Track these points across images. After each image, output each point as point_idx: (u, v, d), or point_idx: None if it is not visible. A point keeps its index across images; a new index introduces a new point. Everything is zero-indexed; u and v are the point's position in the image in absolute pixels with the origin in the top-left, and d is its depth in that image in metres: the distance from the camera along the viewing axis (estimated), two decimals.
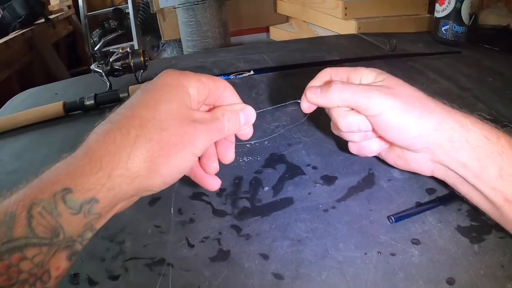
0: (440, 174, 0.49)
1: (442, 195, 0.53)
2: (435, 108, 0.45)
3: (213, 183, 0.45)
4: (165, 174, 0.36)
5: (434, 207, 0.51)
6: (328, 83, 0.49)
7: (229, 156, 0.45)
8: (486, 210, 0.45)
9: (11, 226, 0.29)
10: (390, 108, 0.45)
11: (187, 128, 0.37)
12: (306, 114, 0.52)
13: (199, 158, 0.44)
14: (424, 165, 0.49)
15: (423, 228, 0.49)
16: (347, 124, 0.49)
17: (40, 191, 0.31)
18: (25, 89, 1.15)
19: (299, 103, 0.51)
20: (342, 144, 0.56)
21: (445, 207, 0.52)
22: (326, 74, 0.52)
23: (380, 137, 0.50)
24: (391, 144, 0.51)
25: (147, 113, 0.36)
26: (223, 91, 0.43)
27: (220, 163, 0.45)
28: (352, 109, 0.48)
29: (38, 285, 0.30)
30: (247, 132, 0.46)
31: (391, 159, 0.54)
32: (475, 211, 0.50)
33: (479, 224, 0.49)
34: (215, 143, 0.45)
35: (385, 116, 0.45)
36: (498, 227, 0.47)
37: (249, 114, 0.44)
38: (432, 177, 0.52)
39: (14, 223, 0.29)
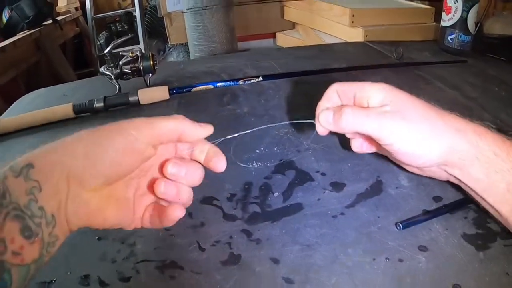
0: (455, 181, 0.50)
1: (449, 203, 0.54)
2: (446, 131, 0.46)
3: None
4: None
5: (440, 214, 0.52)
6: (339, 107, 0.49)
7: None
8: (496, 218, 0.47)
9: None
10: (401, 139, 0.46)
11: None
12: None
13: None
14: (438, 174, 0.50)
15: (430, 235, 0.50)
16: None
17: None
18: (31, 90, 1.17)
19: (313, 123, 0.52)
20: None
21: (451, 215, 0.53)
22: (333, 92, 0.52)
23: None
24: None
25: None
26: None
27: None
28: None
29: None
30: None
31: (405, 166, 0.55)
32: (480, 219, 0.51)
33: (484, 232, 0.50)
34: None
35: (396, 146, 0.46)
36: (503, 235, 0.48)
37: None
38: (439, 185, 0.53)
39: None
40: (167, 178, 0.44)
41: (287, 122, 0.55)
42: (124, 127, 0.41)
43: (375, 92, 0.48)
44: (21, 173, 0.35)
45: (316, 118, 0.52)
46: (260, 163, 0.65)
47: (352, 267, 0.46)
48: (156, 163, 0.46)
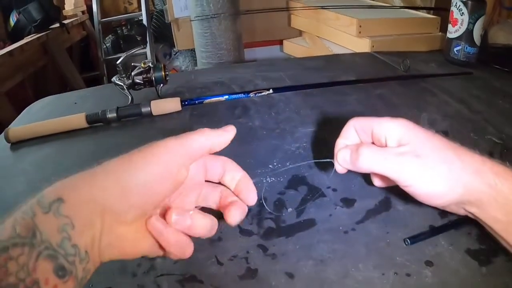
0: (473, 217, 0.49)
1: (454, 220, 0.56)
2: (464, 173, 0.45)
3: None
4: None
5: (446, 230, 0.55)
6: (356, 146, 0.49)
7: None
8: None
9: (1, 230, 0.32)
10: (418, 181, 0.45)
11: None
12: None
13: None
14: (456, 211, 0.50)
15: (436, 251, 0.52)
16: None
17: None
18: (39, 93, 1.18)
19: (332, 162, 0.52)
20: None
21: (456, 230, 0.55)
22: (350, 128, 0.52)
23: None
24: None
25: None
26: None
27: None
28: None
29: None
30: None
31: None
32: (483, 236, 0.53)
33: (487, 247, 0.52)
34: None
35: (413, 188, 0.46)
36: (505, 251, 0.50)
37: None
38: None
39: (4, 228, 0.32)
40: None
41: (305, 162, 0.58)
42: (155, 152, 0.40)
43: (393, 130, 0.48)
44: (51, 209, 0.34)
45: (334, 157, 0.52)
46: (273, 178, 0.68)
47: (363, 282, 0.49)
48: (187, 187, 0.45)
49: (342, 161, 0.50)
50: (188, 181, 0.44)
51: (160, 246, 0.42)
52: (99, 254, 0.38)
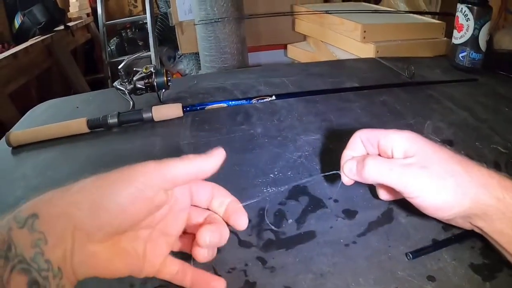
0: (479, 231, 0.49)
1: (458, 233, 0.55)
2: (471, 186, 0.45)
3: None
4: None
5: (449, 244, 0.54)
6: (362, 158, 0.50)
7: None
8: None
9: None
10: (425, 193, 0.45)
11: None
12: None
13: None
14: (461, 224, 0.50)
15: (439, 265, 0.51)
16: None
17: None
18: (43, 96, 1.19)
19: (339, 174, 0.53)
20: None
21: (459, 244, 0.54)
22: (357, 140, 0.53)
23: None
24: None
25: None
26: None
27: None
28: None
29: None
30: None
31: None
32: (487, 250, 0.52)
33: (491, 262, 0.51)
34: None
35: (419, 199, 0.46)
36: (509, 265, 0.49)
37: None
38: None
39: None
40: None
41: (312, 177, 0.58)
42: (131, 173, 0.40)
43: (400, 142, 0.48)
44: (25, 224, 0.35)
45: (341, 168, 0.52)
46: (274, 188, 0.67)
47: None
48: (171, 212, 0.45)
49: (348, 171, 0.51)
50: (172, 205, 0.44)
51: (142, 268, 0.44)
52: (72, 271, 0.38)
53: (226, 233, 0.46)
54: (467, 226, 0.50)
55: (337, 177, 0.54)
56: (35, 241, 0.34)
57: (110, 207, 0.38)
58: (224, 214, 0.46)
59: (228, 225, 0.47)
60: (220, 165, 0.44)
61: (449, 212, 0.46)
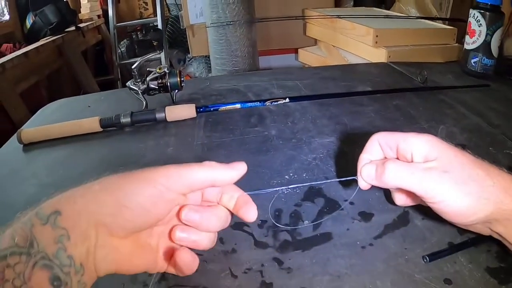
0: (497, 237, 0.48)
1: (474, 237, 0.55)
2: (494, 191, 0.44)
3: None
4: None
5: (466, 248, 0.54)
6: (382, 162, 0.48)
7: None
8: None
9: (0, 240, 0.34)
10: (447, 198, 0.44)
11: None
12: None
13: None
14: (480, 230, 0.49)
15: (455, 268, 0.51)
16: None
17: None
18: (53, 95, 1.19)
19: (355, 179, 0.52)
20: None
21: (475, 248, 0.54)
22: (374, 143, 0.51)
23: None
24: None
25: None
26: None
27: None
28: None
29: None
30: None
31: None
32: (503, 253, 0.52)
33: (507, 265, 0.51)
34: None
35: (441, 205, 0.45)
36: None
37: None
38: None
39: (3, 238, 0.34)
40: (184, 224, 0.44)
41: (327, 181, 0.58)
42: (153, 176, 0.41)
43: (420, 145, 0.47)
44: (48, 220, 0.35)
45: (358, 173, 0.51)
46: (290, 189, 0.67)
47: None
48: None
49: (367, 176, 0.49)
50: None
51: (157, 264, 0.45)
52: (94, 267, 0.39)
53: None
54: (486, 231, 0.49)
55: (353, 181, 0.53)
56: (58, 237, 0.35)
57: (131, 206, 0.39)
58: (234, 207, 0.46)
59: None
60: (239, 179, 0.44)
61: (472, 217, 0.45)
